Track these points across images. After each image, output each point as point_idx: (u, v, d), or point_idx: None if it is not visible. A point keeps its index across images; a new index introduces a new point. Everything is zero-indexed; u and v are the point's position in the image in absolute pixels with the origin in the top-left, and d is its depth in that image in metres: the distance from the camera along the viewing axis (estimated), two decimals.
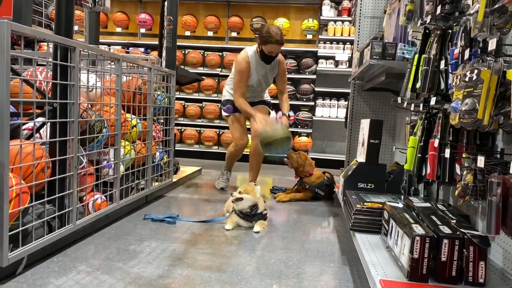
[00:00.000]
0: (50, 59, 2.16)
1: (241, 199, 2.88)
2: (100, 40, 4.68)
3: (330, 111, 6.45)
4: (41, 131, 2.38)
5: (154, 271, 2.06)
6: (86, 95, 2.58)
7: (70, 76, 2.18)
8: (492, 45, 1.44)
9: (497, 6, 1.40)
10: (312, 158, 4.07)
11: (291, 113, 6.42)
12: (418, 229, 1.60)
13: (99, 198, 2.61)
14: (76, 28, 4.45)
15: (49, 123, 2.19)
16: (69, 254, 2.21)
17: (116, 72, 2.79)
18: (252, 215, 2.89)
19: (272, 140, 3.56)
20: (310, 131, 6.44)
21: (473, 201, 1.59)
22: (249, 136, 4.14)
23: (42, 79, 2.39)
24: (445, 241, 1.54)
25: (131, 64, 3.28)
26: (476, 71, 1.48)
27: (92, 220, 2.49)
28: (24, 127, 2.29)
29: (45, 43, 2.98)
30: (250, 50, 4.03)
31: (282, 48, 3.95)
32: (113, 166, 2.77)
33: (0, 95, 1.72)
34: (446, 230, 1.60)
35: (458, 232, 1.57)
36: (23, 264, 1.94)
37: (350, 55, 6.18)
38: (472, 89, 1.49)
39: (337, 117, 6.41)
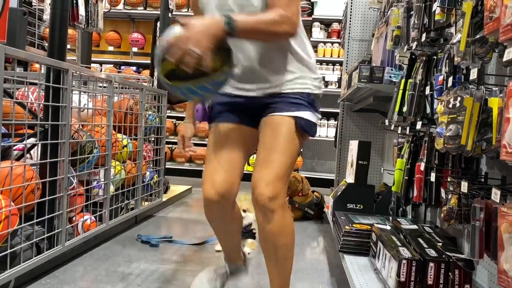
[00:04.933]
0: (43, 81, 2.18)
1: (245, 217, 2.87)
2: (92, 59, 4.71)
3: (320, 130, 6.51)
4: (31, 151, 2.39)
5: None
6: (78, 115, 2.59)
7: (62, 98, 2.20)
8: (473, 74, 1.49)
9: (478, 36, 1.45)
10: None
11: None
12: (405, 252, 1.63)
13: (88, 219, 2.61)
14: (68, 46, 4.48)
15: (40, 144, 2.19)
16: (57, 276, 2.20)
17: (108, 93, 2.82)
18: (245, 232, 2.89)
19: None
20: (301, 150, 6.48)
21: (457, 224, 1.63)
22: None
23: (34, 101, 2.40)
24: (431, 264, 1.57)
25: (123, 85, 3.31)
26: (459, 98, 1.53)
27: (81, 241, 2.48)
28: (14, 147, 2.29)
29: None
30: None
31: None
32: (103, 186, 2.77)
33: None
34: (432, 253, 1.63)
35: (443, 256, 1.60)
36: (11, 287, 1.92)
37: (339, 76, 6.27)
38: (455, 115, 1.53)
39: (327, 136, 6.46)
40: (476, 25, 1.49)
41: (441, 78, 1.85)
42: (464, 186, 1.52)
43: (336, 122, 6.04)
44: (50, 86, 2.16)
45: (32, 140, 2.32)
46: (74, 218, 2.54)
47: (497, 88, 1.43)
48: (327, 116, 6.55)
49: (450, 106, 1.58)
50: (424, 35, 2.09)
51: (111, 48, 7.02)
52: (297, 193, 3.91)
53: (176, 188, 4.82)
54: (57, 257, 2.26)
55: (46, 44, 3.60)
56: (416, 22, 2.17)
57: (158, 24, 4.48)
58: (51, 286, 2.06)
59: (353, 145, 3.24)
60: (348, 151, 3.64)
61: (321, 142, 6.69)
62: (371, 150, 3.17)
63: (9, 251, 1.85)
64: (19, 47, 2.09)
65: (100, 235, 2.76)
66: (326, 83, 6.47)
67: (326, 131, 6.49)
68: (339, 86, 6.16)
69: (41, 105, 2.28)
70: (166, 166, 5.25)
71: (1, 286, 1.83)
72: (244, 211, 2.87)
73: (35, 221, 2.05)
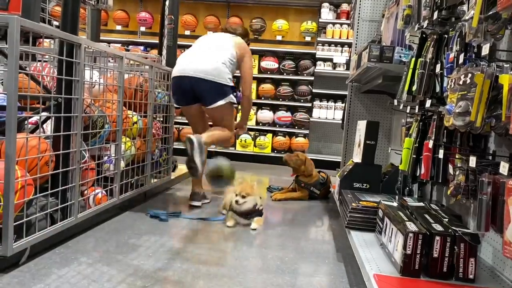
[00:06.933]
0: (56, 55, 2.20)
1: (245, 202, 2.92)
2: (100, 38, 4.72)
3: (327, 113, 6.52)
4: (44, 125, 2.43)
5: (154, 264, 2.10)
6: (89, 91, 2.62)
7: (75, 72, 2.23)
8: (485, 50, 1.50)
9: (491, 13, 1.46)
10: None
11: (288, 114, 6.47)
12: (412, 226, 1.66)
13: (99, 193, 2.66)
14: None
15: (53, 118, 2.23)
16: (71, 246, 2.26)
17: (118, 69, 2.84)
18: (252, 212, 2.93)
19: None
20: (307, 132, 6.50)
21: (464, 200, 1.65)
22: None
23: (46, 74, 2.43)
24: (437, 238, 1.60)
25: (133, 62, 3.33)
26: (470, 75, 1.54)
27: (93, 214, 2.54)
28: (29, 119, 2.33)
29: (45, 40, 3.02)
30: None
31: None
32: (114, 161, 2.82)
33: (8, 89, 1.76)
34: (438, 227, 1.66)
35: (450, 230, 1.63)
36: (26, 254, 1.99)
37: (347, 58, 6.25)
38: (466, 92, 1.54)
39: (334, 118, 6.47)
40: (489, 1, 1.49)
41: (452, 55, 1.85)
42: (473, 161, 1.54)
43: (343, 104, 6.04)
44: (64, 60, 2.18)
45: (44, 114, 2.35)
46: (86, 192, 2.59)
47: (508, 65, 1.44)
48: (334, 98, 6.55)
49: (461, 83, 1.59)
50: (436, 13, 2.09)
51: (119, 27, 7.01)
52: (301, 172, 3.95)
53: (184, 167, 4.84)
54: (70, 228, 2.31)
55: (56, 23, 3.62)
56: (427, 0, 2.17)
57: (167, 3, 4.46)
58: (65, 256, 2.12)
59: (361, 125, 3.26)
60: (355, 132, 3.66)
61: (327, 125, 6.70)
62: (378, 130, 3.19)
63: (25, 219, 1.90)
64: (34, 20, 2.11)
65: (111, 209, 2.81)
66: (334, 65, 6.45)
67: (333, 113, 6.49)
68: (347, 68, 6.15)
69: (53, 80, 2.31)
70: (174, 146, 5.29)
71: (18, 253, 1.89)
72: (244, 196, 2.89)
73: (49, 192, 2.10)
